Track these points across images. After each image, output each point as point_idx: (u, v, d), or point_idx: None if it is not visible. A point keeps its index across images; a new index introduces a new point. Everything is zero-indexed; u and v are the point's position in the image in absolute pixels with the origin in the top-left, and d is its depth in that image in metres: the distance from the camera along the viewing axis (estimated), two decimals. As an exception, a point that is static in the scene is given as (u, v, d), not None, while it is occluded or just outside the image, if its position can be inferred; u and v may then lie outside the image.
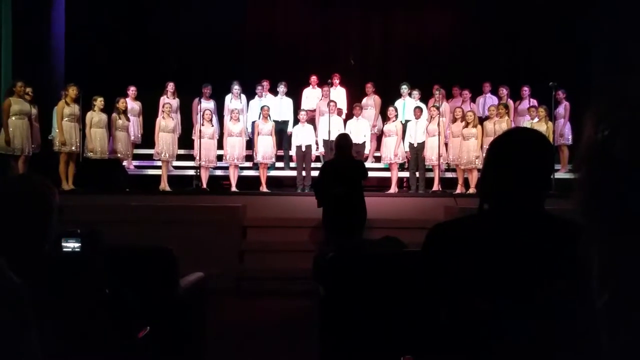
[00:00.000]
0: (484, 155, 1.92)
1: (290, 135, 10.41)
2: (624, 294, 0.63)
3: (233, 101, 10.59)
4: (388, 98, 10.77)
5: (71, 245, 2.42)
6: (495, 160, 1.77)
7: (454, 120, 9.88)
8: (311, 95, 11.03)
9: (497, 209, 1.75)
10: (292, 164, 10.41)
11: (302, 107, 10.65)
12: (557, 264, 1.55)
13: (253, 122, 10.37)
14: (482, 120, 10.12)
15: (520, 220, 1.70)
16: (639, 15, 9.58)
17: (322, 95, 10.68)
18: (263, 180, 9.78)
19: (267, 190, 9.72)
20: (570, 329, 1.42)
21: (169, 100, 10.25)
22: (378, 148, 10.61)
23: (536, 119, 9.76)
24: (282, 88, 10.75)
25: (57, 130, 9.10)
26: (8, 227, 1.95)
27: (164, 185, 9.65)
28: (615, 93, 0.64)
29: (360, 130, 10.02)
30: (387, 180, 9.98)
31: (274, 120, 10.22)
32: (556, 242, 1.59)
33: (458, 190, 9.60)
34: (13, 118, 8.80)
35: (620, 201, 0.60)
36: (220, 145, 10.09)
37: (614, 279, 0.64)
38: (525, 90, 10.72)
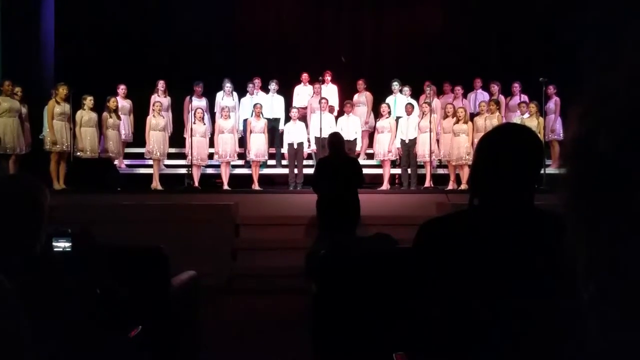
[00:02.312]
0: (474, 151, 1.92)
1: (282, 133, 10.40)
2: (610, 286, 0.64)
3: (225, 98, 10.57)
4: (380, 95, 10.78)
5: (62, 244, 2.42)
6: (484, 156, 1.78)
7: (445, 116, 9.90)
8: (302, 93, 11.02)
9: (487, 205, 1.76)
10: (284, 162, 10.40)
11: (293, 105, 10.63)
12: (547, 258, 1.56)
13: (245, 120, 10.36)
14: (473, 116, 10.15)
15: (510, 215, 1.71)
16: (627, 9, 9.62)
17: (314, 93, 10.68)
18: (255, 178, 9.77)
19: (260, 188, 9.71)
20: (559, 324, 1.43)
21: (159, 99, 10.21)
22: (370, 145, 10.62)
23: (527, 115, 9.80)
24: (273, 85, 10.74)
25: (48, 130, 9.06)
26: (3, 225, 1.94)
27: (156, 184, 9.63)
28: (599, 87, 0.64)
29: (351, 127, 10.02)
30: (379, 177, 9.99)
31: (265, 118, 10.21)
32: (546, 237, 1.59)
33: (450, 187, 9.62)
34: (3, 117, 8.75)
35: (605, 195, 0.61)
36: (212, 144, 10.08)
37: (599, 271, 0.64)
38: (516, 87, 10.76)
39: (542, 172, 1.95)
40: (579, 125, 0.63)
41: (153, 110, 9.85)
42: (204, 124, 9.98)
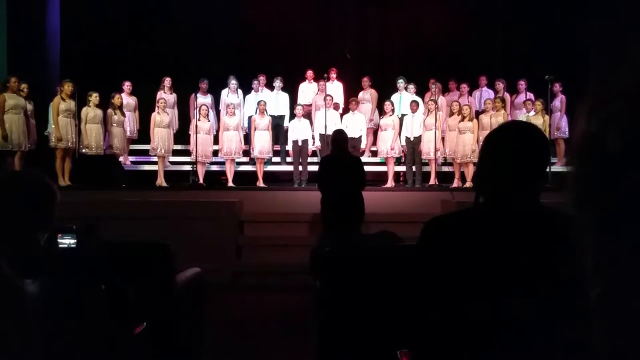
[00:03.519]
0: (480, 148, 1.91)
1: (287, 130, 10.40)
2: (617, 286, 0.63)
3: (230, 95, 10.57)
4: (385, 92, 10.76)
5: (67, 241, 2.42)
6: (490, 153, 1.77)
7: (451, 114, 9.88)
8: (307, 90, 11.01)
9: (492, 203, 1.75)
10: (289, 159, 10.41)
11: (298, 102, 10.63)
12: (553, 257, 1.56)
13: (249, 117, 10.36)
14: (478, 113, 10.13)
15: (516, 213, 1.70)
16: (634, 7, 9.58)
17: (318, 90, 10.67)
18: (260, 175, 9.78)
19: (264, 185, 9.72)
20: (566, 322, 1.43)
21: (164, 96, 10.21)
22: (375, 142, 10.61)
23: (532, 112, 9.77)
24: (278, 83, 10.74)
25: (53, 126, 9.08)
26: (15, 219, 1.94)
27: (161, 180, 9.65)
28: (607, 85, 0.64)
29: (356, 124, 10.01)
30: (384, 175, 9.98)
31: (270, 115, 10.21)
32: (551, 235, 1.59)
33: (455, 184, 9.61)
34: (9, 113, 8.78)
35: (613, 193, 0.60)
36: (217, 141, 10.08)
37: (607, 270, 0.64)
38: (522, 84, 10.73)
39: (547, 170, 1.95)
40: (587, 123, 0.62)
41: (158, 107, 9.85)
42: (209, 121, 9.99)
